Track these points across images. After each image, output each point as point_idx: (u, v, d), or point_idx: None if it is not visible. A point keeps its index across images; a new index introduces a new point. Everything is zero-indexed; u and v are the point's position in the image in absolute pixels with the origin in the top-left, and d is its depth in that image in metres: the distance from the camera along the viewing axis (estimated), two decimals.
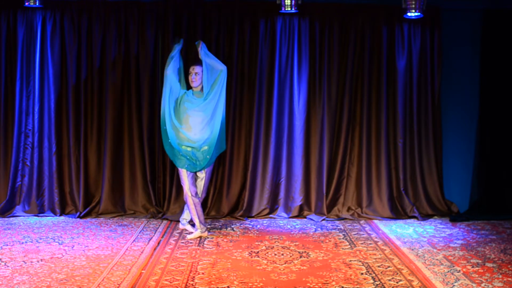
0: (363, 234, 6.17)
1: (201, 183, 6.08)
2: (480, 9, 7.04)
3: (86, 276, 4.66)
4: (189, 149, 5.87)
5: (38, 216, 6.78)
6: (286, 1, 6.42)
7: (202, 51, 5.94)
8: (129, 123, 6.92)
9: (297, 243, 5.77)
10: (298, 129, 6.98)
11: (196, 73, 5.97)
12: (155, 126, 6.89)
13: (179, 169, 5.94)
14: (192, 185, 5.94)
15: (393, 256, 5.32)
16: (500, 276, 4.77)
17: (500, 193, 7.15)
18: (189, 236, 5.91)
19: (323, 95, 6.96)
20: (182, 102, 5.96)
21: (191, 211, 5.95)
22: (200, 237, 5.92)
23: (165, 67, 5.97)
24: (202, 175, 6.05)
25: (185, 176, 5.90)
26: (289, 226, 6.54)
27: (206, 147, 5.91)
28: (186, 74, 6.15)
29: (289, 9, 6.46)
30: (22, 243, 5.60)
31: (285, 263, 5.08)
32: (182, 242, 5.75)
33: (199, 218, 5.96)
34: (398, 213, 6.96)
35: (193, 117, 5.91)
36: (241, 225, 6.53)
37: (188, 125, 5.91)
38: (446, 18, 7.04)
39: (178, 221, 6.44)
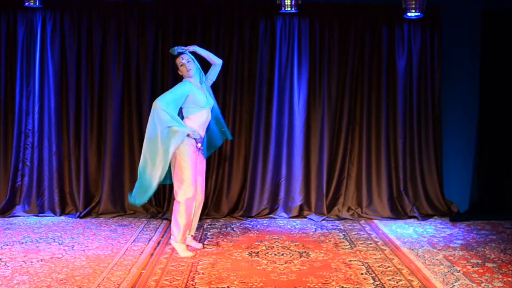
0: (363, 234, 6.17)
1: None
2: (480, 9, 7.04)
3: (86, 276, 4.66)
4: None
5: (38, 216, 6.78)
6: (286, 1, 6.43)
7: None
8: (129, 123, 6.92)
9: (297, 243, 5.77)
10: (298, 129, 6.98)
11: (188, 61, 5.35)
12: None
13: (192, 167, 5.27)
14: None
15: (393, 256, 5.32)
16: (500, 276, 4.77)
17: (500, 193, 7.15)
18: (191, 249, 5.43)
19: (323, 95, 6.96)
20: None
21: (194, 217, 5.44)
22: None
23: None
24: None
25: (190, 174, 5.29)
26: (289, 226, 6.54)
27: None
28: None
29: (289, 9, 6.47)
30: (22, 243, 5.60)
31: (285, 263, 5.08)
32: None
33: (192, 225, 5.51)
34: (398, 213, 6.96)
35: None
36: (241, 225, 6.53)
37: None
38: (446, 18, 7.04)
39: None
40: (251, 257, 5.26)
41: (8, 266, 4.85)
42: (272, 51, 6.92)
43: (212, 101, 5.50)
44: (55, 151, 6.85)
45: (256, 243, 5.75)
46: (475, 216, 6.88)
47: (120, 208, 6.92)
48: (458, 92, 7.20)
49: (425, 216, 6.93)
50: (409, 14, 6.34)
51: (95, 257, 5.19)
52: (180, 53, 5.39)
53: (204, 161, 5.56)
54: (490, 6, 7.01)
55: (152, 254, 5.30)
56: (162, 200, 6.96)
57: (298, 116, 6.97)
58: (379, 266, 5.01)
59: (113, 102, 6.84)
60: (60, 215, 6.82)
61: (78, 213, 6.79)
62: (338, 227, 6.50)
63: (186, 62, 5.36)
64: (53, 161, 6.86)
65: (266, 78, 6.93)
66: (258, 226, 6.53)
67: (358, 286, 4.51)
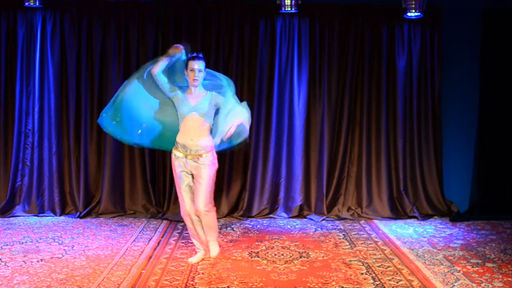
0: (363, 234, 6.17)
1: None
2: (480, 9, 7.04)
3: (86, 276, 4.66)
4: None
5: (38, 216, 6.78)
6: (286, 1, 6.43)
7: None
8: None
9: (297, 243, 5.77)
10: (298, 129, 6.98)
11: (199, 71, 4.97)
12: None
13: (177, 182, 5.10)
14: (192, 201, 5.10)
15: (393, 256, 5.32)
16: (500, 276, 4.77)
17: (500, 193, 7.15)
18: (190, 260, 5.12)
19: (323, 95, 6.96)
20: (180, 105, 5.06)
21: (191, 232, 5.20)
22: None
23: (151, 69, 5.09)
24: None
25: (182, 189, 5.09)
26: (289, 226, 6.54)
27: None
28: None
29: (289, 9, 6.48)
30: (22, 243, 5.60)
31: (285, 263, 5.08)
32: (182, 242, 5.75)
33: (200, 238, 5.19)
34: (398, 213, 6.96)
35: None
36: (241, 225, 6.53)
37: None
38: (446, 18, 7.04)
39: (178, 221, 6.43)
40: (251, 257, 5.26)
41: (8, 266, 4.85)
42: (272, 51, 6.92)
43: (204, 107, 4.97)
44: (55, 151, 6.85)
45: (256, 243, 5.75)
46: (475, 216, 6.88)
47: (120, 208, 6.92)
48: (458, 92, 7.20)
49: (425, 216, 6.93)
50: (409, 14, 6.35)
51: (95, 257, 5.19)
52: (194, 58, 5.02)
53: (200, 168, 5.06)
54: (490, 6, 7.01)
55: (152, 254, 5.30)
56: (162, 200, 6.96)
57: (298, 116, 6.97)
58: (379, 266, 5.01)
59: None
60: (60, 215, 6.82)
61: (78, 213, 6.79)
62: (338, 227, 6.50)
63: (198, 70, 4.94)
64: (53, 161, 6.86)
65: (266, 78, 6.93)
66: (258, 226, 6.53)
67: (358, 286, 4.52)
